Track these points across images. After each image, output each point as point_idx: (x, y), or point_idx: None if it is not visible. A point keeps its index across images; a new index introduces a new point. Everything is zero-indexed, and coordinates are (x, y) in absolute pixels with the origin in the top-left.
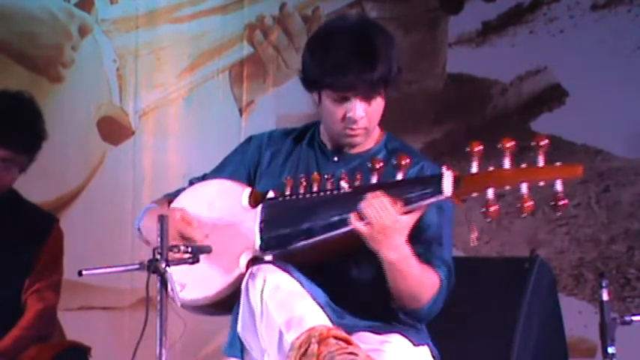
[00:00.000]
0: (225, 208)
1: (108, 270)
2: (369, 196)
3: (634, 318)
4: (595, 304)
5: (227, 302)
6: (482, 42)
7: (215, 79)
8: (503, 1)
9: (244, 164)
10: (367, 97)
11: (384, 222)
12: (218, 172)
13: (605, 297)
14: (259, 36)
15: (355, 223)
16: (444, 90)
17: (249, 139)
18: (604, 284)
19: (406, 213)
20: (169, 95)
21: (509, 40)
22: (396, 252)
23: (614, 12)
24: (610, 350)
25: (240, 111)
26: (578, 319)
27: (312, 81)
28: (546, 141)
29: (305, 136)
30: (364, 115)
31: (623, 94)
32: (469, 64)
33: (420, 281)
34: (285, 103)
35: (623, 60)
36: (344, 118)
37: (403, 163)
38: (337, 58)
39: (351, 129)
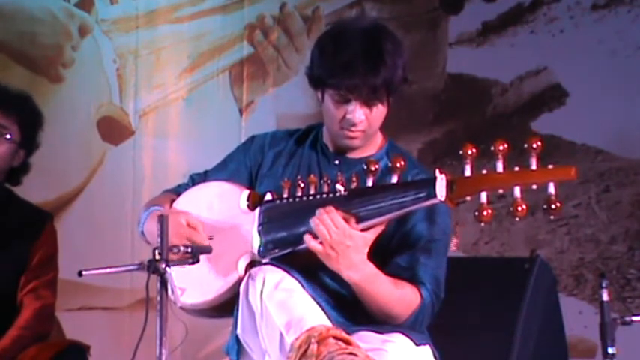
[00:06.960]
0: (224, 211)
1: (108, 270)
2: (320, 211)
3: (634, 318)
4: (595, 304)
5: (227, 305)
6: (483, 42)
7: (215, 79)
8: (503, 1)
9: (246, 164)
10: (368, 102)
11: (335, 238)
12: (219, 170)
13: (605, 297)
14: (259, 36)
15: (309, 242)
16: (444, 90)
17: (252, 139)
18: (604, 284)
19: (364, 229)
20: (169, 95)
21: (509, 40)
22: (357, 271)
23: (614, 12)
24: (610, 350)
25: (240, 111)
26: (578, 319)
27: (317, 79)
28: (539, 143)
29: (308, 137)
30: (364, 119)
31: (623, 94)
32: (469, 64)
33: (393, 301)
34: (285, 103)
35: (623, 60)
36: (343, 119)
37: (398, 165)
38: (343, 59)
39: (350, 130)
